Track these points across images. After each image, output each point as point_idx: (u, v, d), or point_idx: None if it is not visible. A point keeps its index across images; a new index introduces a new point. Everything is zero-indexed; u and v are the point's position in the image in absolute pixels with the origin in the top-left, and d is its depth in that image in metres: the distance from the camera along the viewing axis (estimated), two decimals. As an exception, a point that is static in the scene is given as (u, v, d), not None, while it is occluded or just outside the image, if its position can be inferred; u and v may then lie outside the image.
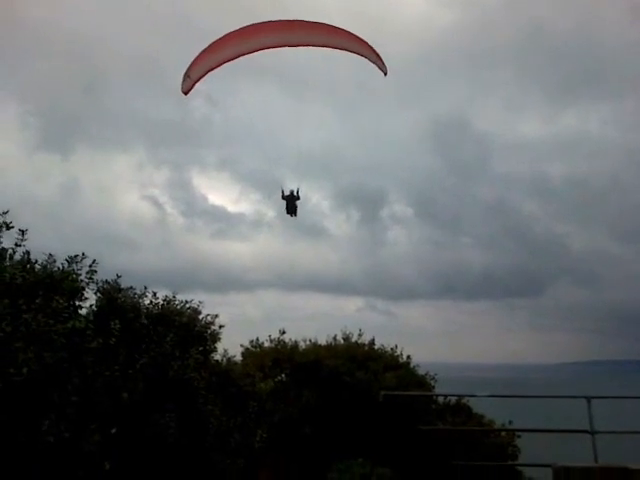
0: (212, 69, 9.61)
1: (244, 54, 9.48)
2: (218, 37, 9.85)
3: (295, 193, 11.74)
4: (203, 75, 9.73)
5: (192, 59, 9.76)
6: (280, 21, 9.88)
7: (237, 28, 9.70)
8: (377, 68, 10.62)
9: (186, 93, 10.00)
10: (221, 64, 9.55)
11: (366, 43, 10.36)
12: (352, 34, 10.26)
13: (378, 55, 10.52)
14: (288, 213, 11.81)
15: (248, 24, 9.77)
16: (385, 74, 10.66)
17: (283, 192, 11.73)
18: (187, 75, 9.79)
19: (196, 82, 9.77)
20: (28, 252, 10.36)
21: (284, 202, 11.91)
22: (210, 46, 9.68)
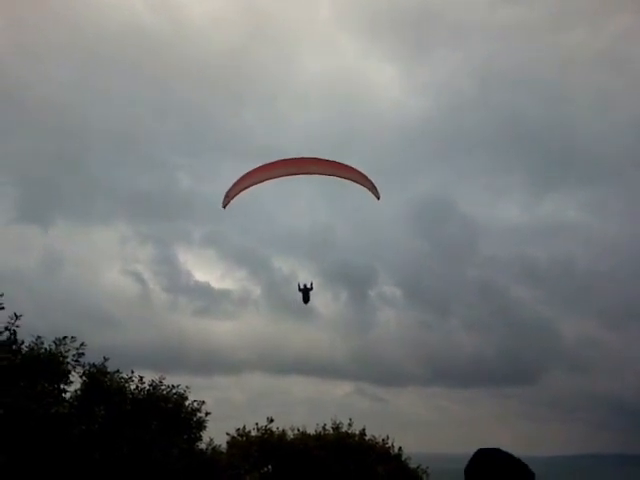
0: (244, 189, 12.07)
1: (270, 179, 11.87)
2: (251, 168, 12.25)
3: (309, 286, 13.92)
4: (237, 194, 12.02)
5: (233, 182, 12.08)
6: (299, 159, 12.12)
7: (265, 163, 12.14)
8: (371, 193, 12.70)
9: (224, 207, 12.21)
10: (251, 186, 11.97)
11: (363, 174, 12.48)
12: (352, 167, 12.46)
13: (373, 184, 12.57)
14: (304, 303, 13.88)
15: (276, 160, 12.15)
16: (378, 199, 12.73)
17: (299, 285, 13.93)
18: (227, 195, 11.99)
19: (232, 199, 12.06)
20: (14, 332, 10.17)
21: (300, 293, 13.98)
22: (246, 174, 12.07)
